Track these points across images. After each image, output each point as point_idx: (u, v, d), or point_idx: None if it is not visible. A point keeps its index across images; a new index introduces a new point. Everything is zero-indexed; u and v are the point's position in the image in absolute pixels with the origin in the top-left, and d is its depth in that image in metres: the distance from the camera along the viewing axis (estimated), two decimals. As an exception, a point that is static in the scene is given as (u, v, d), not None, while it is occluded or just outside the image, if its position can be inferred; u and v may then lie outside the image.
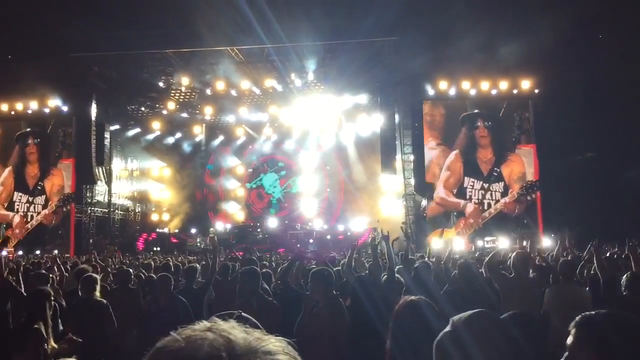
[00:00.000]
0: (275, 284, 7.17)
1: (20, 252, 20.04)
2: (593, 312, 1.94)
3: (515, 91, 21.56)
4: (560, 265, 6.14)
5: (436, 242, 19.78)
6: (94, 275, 6.15)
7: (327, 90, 24.70)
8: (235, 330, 0.92)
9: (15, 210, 23.49)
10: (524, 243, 7.35)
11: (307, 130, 28.06)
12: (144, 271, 9.34)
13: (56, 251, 20.46)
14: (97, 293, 5.97)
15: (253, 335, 0.93)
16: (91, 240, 23.92)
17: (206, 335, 0.88)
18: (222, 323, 0.94)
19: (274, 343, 0.94)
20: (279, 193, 30.45)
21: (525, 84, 21.40)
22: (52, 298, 5.04)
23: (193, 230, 27.76)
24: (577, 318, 1.93)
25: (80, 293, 5.99)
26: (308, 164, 29.26)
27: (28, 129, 23.95)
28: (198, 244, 25.09)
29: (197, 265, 7.83)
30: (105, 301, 5.97)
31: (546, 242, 19.29)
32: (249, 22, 18.35)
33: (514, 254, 6.56)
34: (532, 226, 20.61)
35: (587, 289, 6.23)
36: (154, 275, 7.89)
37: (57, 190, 23.45)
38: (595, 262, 6.24)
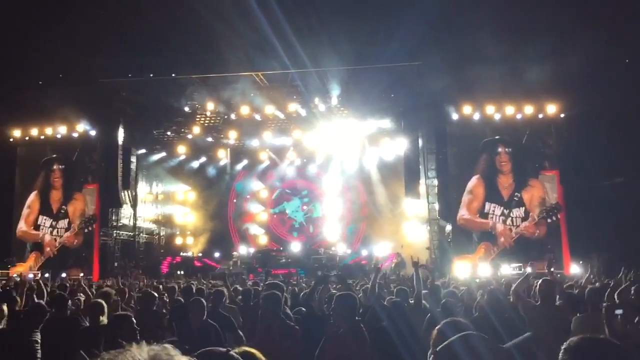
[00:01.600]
0: (298, 309, 7.13)
1: (47, 275, 20.26)
2: (577, 338, 2.02)
3: (540, 115, 21.37)
4: (587, 294, 6.00)
5: (460, 268, 19.61)
6: (100, 301, 6.13)
7: (351, 114, 24.76)
8: (145, 351, 1.05)
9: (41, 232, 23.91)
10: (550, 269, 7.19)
11: (330, 155, 28.10)
12: (165, 294, 9.38)
13: (82, 274, 20.68)
14: (104, 319, 5.92)
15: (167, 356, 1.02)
16: (116, 264, 24.12)
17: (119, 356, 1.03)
18: (140, 346, 1.07)
19: None
20: (301, 217, 30.45)
21: (551, 109, 21.19)
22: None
23: (217, 254, 27.80)
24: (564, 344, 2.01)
25: (88, 319, 5.96)
26: (331, 188, 29.24)
27: (54, 155, 24.38)
28: (230, 268, 24.93)
29: (225, 290, 7.81)
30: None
31: (574, 269, 18.98)
32: (273, 48, 18.59)
33: (540, 281, 6.44)
34: (556, 251, 20.27)
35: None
36: (181, 299, 7.91)
37: (79, 213, 23.80)
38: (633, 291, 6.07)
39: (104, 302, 6.12)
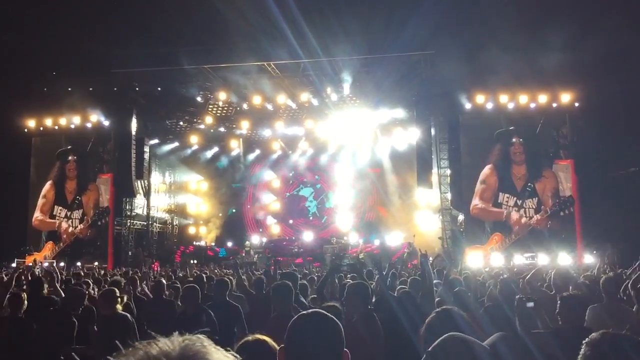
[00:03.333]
0: (312, 298, 7.15)
1: (62, 264, 20.48)
2: (598, 333, 2.02)
3: (554, 104, 21.14)
4: (603, 283, 5.95)
5: (472, 258, 19.56)
6: (113, 289, 6.19)
7: (363, 104, 24.67)
8: (176, 342, 1.05)
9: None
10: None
11: (342, 144, 28.05)
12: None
13: (96, 263, 20.89)
14: (119, 307, 6.00)
15: (202, 348, 1.05)
16: (130, 253, 24.32)
17: (149, 346, 1.03)
18: (171, 338, 1.07)
19: (216, 355, 1.05)
20: (313, 207, 30.50)
21: (565, 97, 20.96)
22: None
23: (229, 244, 27.94)
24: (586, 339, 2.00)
25: (103, 308, 6.03)
26: (343, 178, 29.22)
27: (69, 147, 24.59)
28: (244, 258, 24.99)
29: (227, 279, 7.84)
30: (128, 315, 6.00)
31: (587, 258, 18.87)
32: (285, 38, 18.54)
33: (554, 271, 6.41)
34: (570, 241, 20.14)
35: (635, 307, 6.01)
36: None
37: (93, 204, 24.02)
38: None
39: (117, 290, 6.19)
